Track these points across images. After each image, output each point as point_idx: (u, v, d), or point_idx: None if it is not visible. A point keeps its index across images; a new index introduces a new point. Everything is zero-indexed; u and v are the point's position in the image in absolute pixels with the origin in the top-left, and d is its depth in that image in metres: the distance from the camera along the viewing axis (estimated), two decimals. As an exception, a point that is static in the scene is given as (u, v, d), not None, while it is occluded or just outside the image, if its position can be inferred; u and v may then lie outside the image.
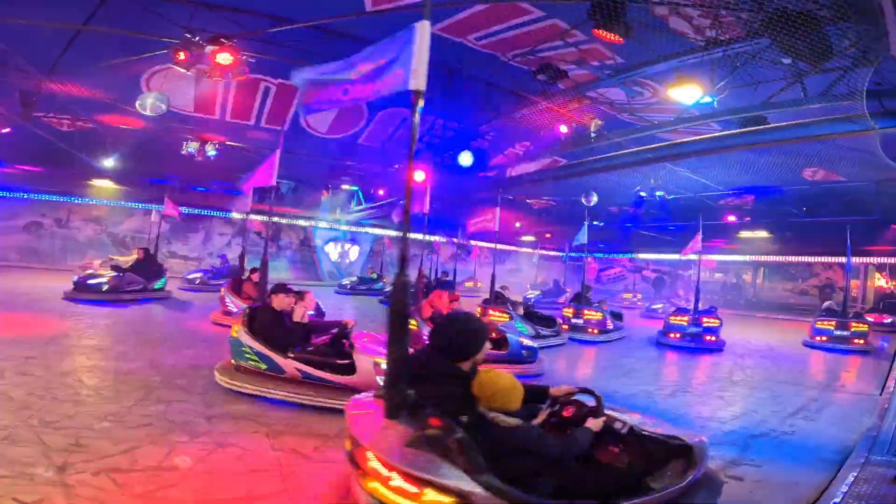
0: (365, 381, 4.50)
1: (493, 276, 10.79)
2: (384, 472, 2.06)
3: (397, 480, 2.01)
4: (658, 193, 13.56)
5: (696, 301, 11.58)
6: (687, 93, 6.82)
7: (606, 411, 2.71)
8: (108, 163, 14.54)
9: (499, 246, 13.81)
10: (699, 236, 12.09)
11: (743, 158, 10.71)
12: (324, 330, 5.42)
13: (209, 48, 6.83)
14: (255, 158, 14.32)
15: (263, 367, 4.83)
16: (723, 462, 3.93)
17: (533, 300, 14.76)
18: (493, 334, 6.70)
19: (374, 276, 19.48)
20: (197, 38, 6.74)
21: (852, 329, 11.33)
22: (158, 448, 3.39)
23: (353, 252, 24.07)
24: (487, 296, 10.72)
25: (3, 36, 7.83)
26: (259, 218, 16.47)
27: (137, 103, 9.28)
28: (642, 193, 13.63)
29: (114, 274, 10.56)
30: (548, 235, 25.20)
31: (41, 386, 4.47)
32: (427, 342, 2.76)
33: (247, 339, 4.92)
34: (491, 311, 9.45)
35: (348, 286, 18.44)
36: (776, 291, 24.89)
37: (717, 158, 10.62)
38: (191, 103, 11.03)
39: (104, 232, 19.19)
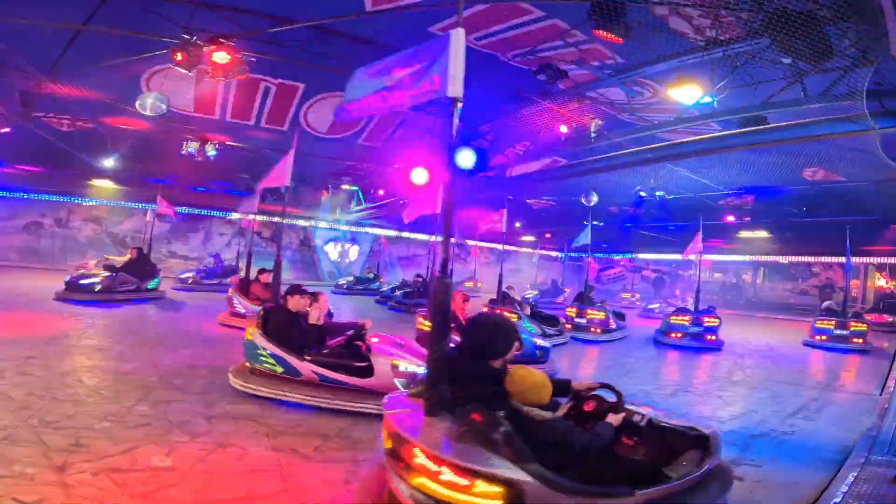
0: (383, 384, 4.47)
1: (501, 276, 10.84)
2: (433, 467, 2.10)
3: (447, 474, 2.06)
4: (658, 193, 13.55)
5: (697, 301, 11.69)
6: (687, 93, 6.82)
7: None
8: (108, 163, 14.52)
9: (502, 247, 13.85)
10: (699, 236, 12.13)
11: (743, 158, 10.70)
12: (338, 331, 5.30)
13: (207, 48, 6.82)
14: (255, 158, 14.37)
15: (280, 369, 4.77)
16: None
17: (532, 300, 14.78)
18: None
19: (372, 275, 19.48)
20: (195, 39, 6.73)
21: (851, 329, 11.44)
22: (158, 448, 3.40)
23: (353, 252, 24.08)
24: (487, 295, 10.74)
25: (3, 36, 7.82)
26: (261, 218, 16.46)
27: (137, 103, 9.27)
28: (642, 193, 13.62)
29: (107, 274, 10.47)
30: (548, 235, 25.21)
31: (41, 386, 4.47)
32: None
33: (262, 342, 4.85)
34: (499, 311, 9.47)
35: (345, 286, 18.43)
36: (776, 291, 24.89)
37: (717, 158, 10.61)
38: (191, 103, 11.02)
39: (104, 232, 19.19)
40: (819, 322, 11.97)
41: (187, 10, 7.06)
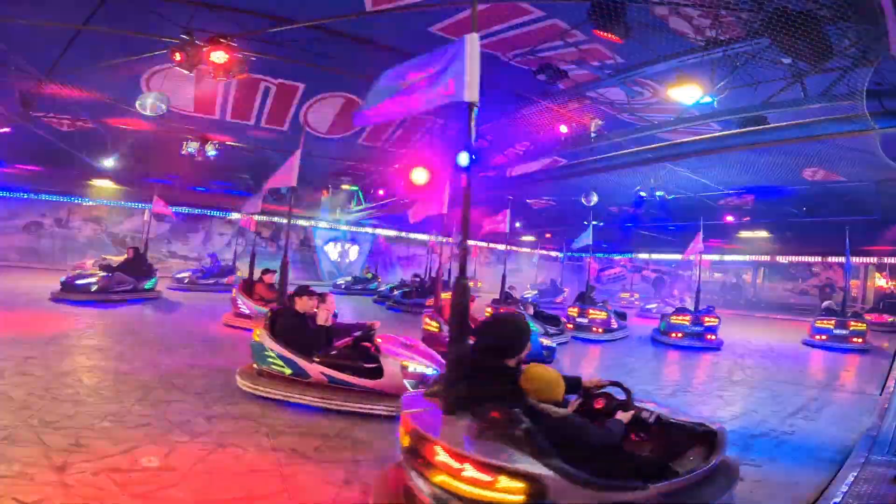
0: (392, 385, 4.45)
1: (504, 277, 10.87)
2: (455, 464, 2.12)
3: (470, 471, 2.08)
4: (658, 193, 13.56)
5: (697, 301, 11.73)
6: (687, 93, 6.83)
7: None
8: (108, 163, 14.51)
9: (502, 246, 13.88)
10: (700, 237, 12.15)
11: (743, 158, 10.71)
12: (345, 332, 5.22)
13: (206, 48, 6.82)
14: (255, 158, 14.38)
15: (288, 371, 4.73)
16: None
17: (531, 300, 14.79)
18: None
19: (370, 275, 19.47)
20: (194, 39, 6.73)
21: (851, 328, 11.48)
22: (158, 448, 3.40)
23: (353, 252, 24.08)
24: (487, 295, 10.76)
25: (3, 36, 7.82)
26: (260, 218, 16.45)
27: (137, 103, 9.27)
28: (642, 193, 13.63)
29: (103, 274, 10.37)
30: (548, 235, 25.20)
31: (41, 386, 4.47)
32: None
33: (270, 343, 4.81)
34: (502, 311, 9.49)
35: (343, 286, 18.43)
36: (776, 291, 24.87)
37: (717, 158, 10.62)
38: (191, 103, 11.03)
39: (104, 232, 19.17)
40: (819, 322, 12.01)
41: (187, 10, 7.06)
